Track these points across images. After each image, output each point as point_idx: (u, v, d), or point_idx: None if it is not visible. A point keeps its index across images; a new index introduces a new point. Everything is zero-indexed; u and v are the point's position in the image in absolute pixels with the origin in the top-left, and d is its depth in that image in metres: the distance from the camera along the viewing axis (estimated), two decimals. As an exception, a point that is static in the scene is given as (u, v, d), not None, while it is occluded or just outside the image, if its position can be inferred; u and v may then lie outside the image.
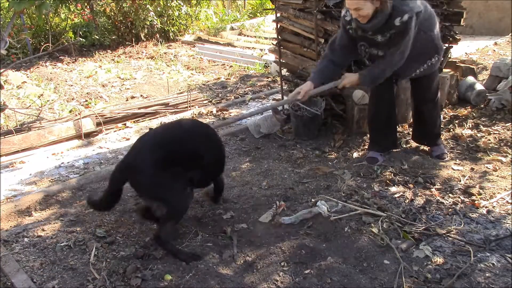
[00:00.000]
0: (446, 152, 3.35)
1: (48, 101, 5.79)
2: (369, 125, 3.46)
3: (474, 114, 4.14)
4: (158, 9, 9.17)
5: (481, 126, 3.83)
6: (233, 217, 2.69)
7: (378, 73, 2.93)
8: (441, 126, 3.53)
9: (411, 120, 4.07)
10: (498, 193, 2.76)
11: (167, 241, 2.28)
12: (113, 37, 9.25)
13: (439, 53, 3.07)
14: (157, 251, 2.35)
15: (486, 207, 2.62)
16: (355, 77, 3.00)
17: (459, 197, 2.75)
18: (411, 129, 3.92)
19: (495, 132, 3.71)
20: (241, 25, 10.54)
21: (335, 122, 4.14)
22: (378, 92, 3.22)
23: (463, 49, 6.85)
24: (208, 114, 4.97)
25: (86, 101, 5.87)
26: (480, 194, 2.76)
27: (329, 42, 3.14)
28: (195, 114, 4.97)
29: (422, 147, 3.52)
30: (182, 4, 9.46)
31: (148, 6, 8.89)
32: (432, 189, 2.86)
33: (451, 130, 3.82)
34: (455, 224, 2.44)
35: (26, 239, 2.54)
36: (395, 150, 3.46)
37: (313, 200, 2.76)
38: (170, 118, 4.89)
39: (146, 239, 2.49)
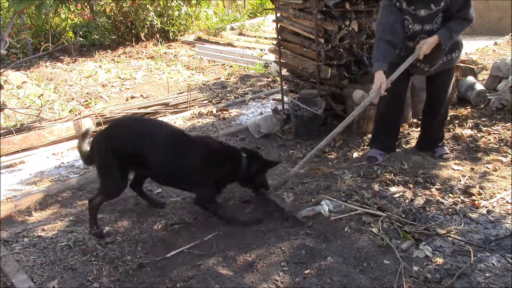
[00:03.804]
0: (449, 152, 3.35)
1: (48, 101, 5.79)
2: (377, 122, 3.42)
3: (474, 114, 4.14)
4: (158, 9, 9.17)
5: (481, 126, 3.83)
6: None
7: (457, 29, 2.83)
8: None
9: (411, 120, 4.08)
10: (498, 193, 2.76)
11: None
12: (113, 37, 9.25)
13: (459, 49, 3.09)
14: (160, 251, 2.35)
15: (486, 207, 2.62)
16: (433, 39, 2.83)
17: (459, 197, 2.75)
18: (411, 129, 3.93)
19: (495, 132, 3.71)
20: (241, 25, 10.54)
21: (335, 122, 4.13)
22: (394, 91, 3.16)
23: (463, 49, 6.84)
24: (208, 114, 4.97)
25: (86, 101, 5.87)
26: (480, 194, 2.76)
27: (378, 25, 3.00)
28: (195, 114, 4.97)
29: (422, 147, 3.53)
30: (182, 4, 9.46)
31: (148, 6, 8.89)
32: (432, 189, 2.86)
33: (451, 130, 3.82)
34: (455, 224, 2.44)
35: (26, 239, 2.54)
36: (394, 151, 3.46)
37: (313, 200, 2.76)
38: (170, 118, 4.89)
39: (144, 238, 2.49)
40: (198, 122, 4.73)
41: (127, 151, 2.45)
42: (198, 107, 5.31)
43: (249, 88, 6.23)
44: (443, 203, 2.69)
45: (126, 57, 8.43)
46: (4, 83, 6.21)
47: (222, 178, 2.63)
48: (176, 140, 2.57)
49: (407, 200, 2.74)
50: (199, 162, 2.53)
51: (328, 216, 2.53)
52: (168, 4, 9.27)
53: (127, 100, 5.98)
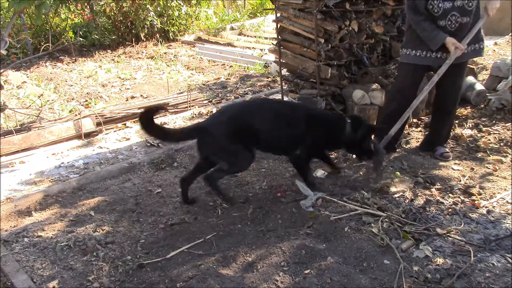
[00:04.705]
0: (449, 151, 3.35)
1: (48, 101, 5.79)
2: (384, 119, 3.39)
3: (474, 114, 4.14)
4: (158, 9, 9.17)
5: (481, 126, 3.83)
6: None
7: None
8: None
9: (411, 120, 4.08)
10: (498, 193, 2.76)
11: None
12: (113, 37, 9.25)
13: (483, 41, 3.08)
14: (160, 251, 2.35)
15: (486, 207, 2.62)
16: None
17: (459, 197, 2.75)
18: (411, 129, 3.93)
19: (495, 132, 3.71)
20: (241, 25, 10.54)
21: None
22: (404, 89, 3.17)
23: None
24: (208, 114, 4.97)
25: (86, 101, 5.87)
26: (480, 194, 2.76)
27: (409, 10, 2.99)
28: (195, 114, 4.97)
29: (422, 147, 3.52)
30: (182, 4, 9.46)
31: (148, 6, 8.89)
32: (432, 189, 2.86)
33: (451, 130, 3.81)
34: (455, 224, 2.44)
35: (26, 239, 2.54)
36: (394, 151, 3.46)
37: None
38: (170, 118, 4.89)
39: (145, 238, 2.49)
40: (198, 122, 4.73)
41: (243, 129, 2.68)
42: (198, 107, 5.31)
43: (249, 88, 6.22)
44: (443, 203, 2.69)
45: (126, 57, 8.43)
46: (4, 83, 6.21)
47: (325, 140, 2.84)
48: (283, 110, 2.84)
49: (407, 200, 2.74)
50: (306, 126, 2.75)
51: (328, 216, 2.54)
52: (168, 4, 9.27)
53: (127, 100, 5.98)
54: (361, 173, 3.15)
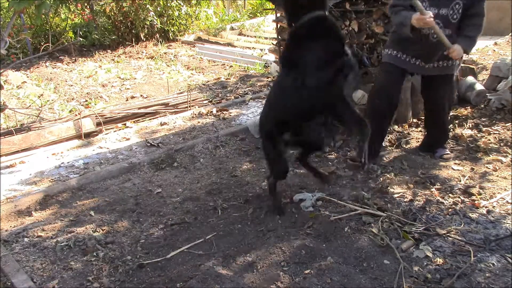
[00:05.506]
0: (449, 152, 3.35)
1: (48, 101, 5.79)
2: (366, 116, 3.32)
3: (474, 114, 4.14)
4: (158, 9, 9.17)
5: (481, 126, 3.83)
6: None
7: (474, 40, 2.90)
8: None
9: (411, 120, 4.08)
10: (498, 193, 2.76)
11: None
12: (113, 37, 9.25)
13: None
14: (160, 251, 2.35)
15: (486, 207, 2.62)
16: (461, 52, 2.88)
17: (459, 197, 2.75)
18: (411, 129, 3.93)
19: (495, 132, 3.71)
20: (241, 25, 10.54)
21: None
22: (386, 87, 3.12)
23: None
24: (208, 114, 4.97)
25: (86, 101, 5.87)
26: (480, 194, 2.76)
27: (390, 6, 2.98)
28: (195, 114, 4.97)
29: (422, 147, 3.52)
30: (182, 4, 9.46)
31: (148, 6, 8.89)
32: (432, 189, 2.86)
33: (451, 130, 3.81)
34: (455, 224, 2.44)
35: (26, 239, 2.55)
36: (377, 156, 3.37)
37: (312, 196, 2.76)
38: (170, 118, 4.89)
39: (145, 238, 2.49)
40: (198, 122, 4.73)
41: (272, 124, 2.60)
42: (198, 107, 5.31)
43: (249, 88, 6.22)
44: (443, 203, 2.69)
45: (126, 57, 8.43)
46: (4, 83, 6.21)
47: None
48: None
49: (407, 200, 2.74)
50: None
51: (328, 216, 2.54)
52: (168, 4, 9.27)
53: (127, 100, 5.98)
54: (361, 172, 3.15)
